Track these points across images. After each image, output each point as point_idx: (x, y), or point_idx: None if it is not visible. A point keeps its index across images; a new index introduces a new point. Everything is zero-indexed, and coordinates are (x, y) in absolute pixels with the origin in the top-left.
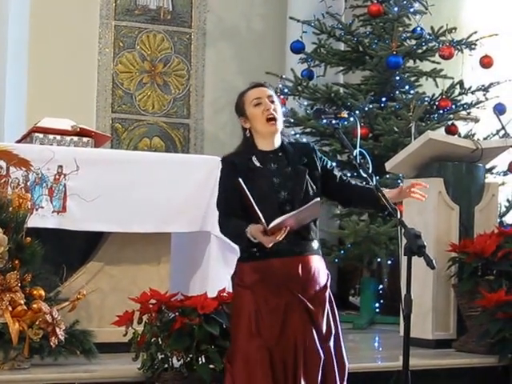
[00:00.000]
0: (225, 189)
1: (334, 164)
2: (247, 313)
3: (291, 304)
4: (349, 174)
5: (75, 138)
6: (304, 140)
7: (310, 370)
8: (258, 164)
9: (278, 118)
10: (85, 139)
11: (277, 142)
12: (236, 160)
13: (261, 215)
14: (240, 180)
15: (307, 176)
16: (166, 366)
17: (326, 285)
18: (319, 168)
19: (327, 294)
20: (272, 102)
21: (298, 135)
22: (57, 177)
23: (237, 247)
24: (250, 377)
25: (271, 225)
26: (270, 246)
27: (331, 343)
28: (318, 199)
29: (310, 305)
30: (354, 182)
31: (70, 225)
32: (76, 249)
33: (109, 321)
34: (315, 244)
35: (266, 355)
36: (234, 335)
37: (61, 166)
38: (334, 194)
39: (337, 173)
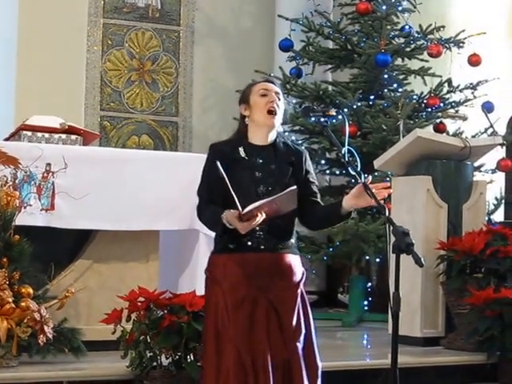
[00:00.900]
0: (208, 176)
1: (317, 184)
2: (214, 308)
3: (258, 300)
4: (337, 172)
5: (63, 136)
6: (293, 138)
7: (275, 367)
8: (243, 155)
9: (278, 114)
10: (73, 137)
11: (270, 138)
12: (224, 148)
13: (236, 199)
14: (217, 162)
15: (289, 174)
16: (155, 363)
17: (298, 283)
18: (303, 174)
19: (299, 292)
20: (278, 98)
21: (286, 133)
22: (45, 175)
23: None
24: (220, 374)
25: (246, 209)
26: (244, 232)
27: (299, 343)
28: (295, 187)
29: (277, 302)
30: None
31: (59, 223)
32: (64, 247)
33: (97, 319)
34: (290, 242)
35: (234, 351)
36: (204, 330)
37: (49, 164)
38: (302, 206)
39: (315, 189)
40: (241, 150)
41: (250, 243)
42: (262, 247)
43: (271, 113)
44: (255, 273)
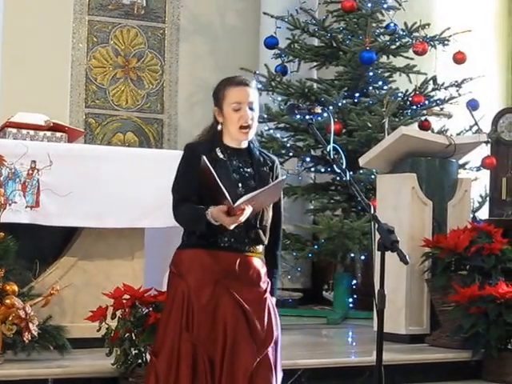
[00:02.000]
0: (184, 174)
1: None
2: (179, 306)
3: (225, 301)
4: (322, 170)
5: (48, 133)
6: (278, 135)
7: (237, 369)
8: (221, 156)
9: (253, 127)
10: (58, 134)
11: (244, 143)
12: (200, 148)
13: (227, 193)
14: (203, 157)
15: (270, 177)
16: (140, 361)
17: (266, 289)
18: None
19: (267, 298)
20: (251, 108)
21: (271, 130)
22: (30, 172)
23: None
24: (174, 371)
25: (237, 203)
26: (232, 227)
27: (270, 349)
28: (284, 177)
29: (246, 305)
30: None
31: (44, 220)
32: (49, 244)
33: (82, 316)
34: (261, 248)
35: (192, 350)
36: (162, 326)
37: (34, 161)
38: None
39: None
40: (218, 150)
41: (221, 242)
42: (233, 247)
43: (244, 128)
44: (223, 272)
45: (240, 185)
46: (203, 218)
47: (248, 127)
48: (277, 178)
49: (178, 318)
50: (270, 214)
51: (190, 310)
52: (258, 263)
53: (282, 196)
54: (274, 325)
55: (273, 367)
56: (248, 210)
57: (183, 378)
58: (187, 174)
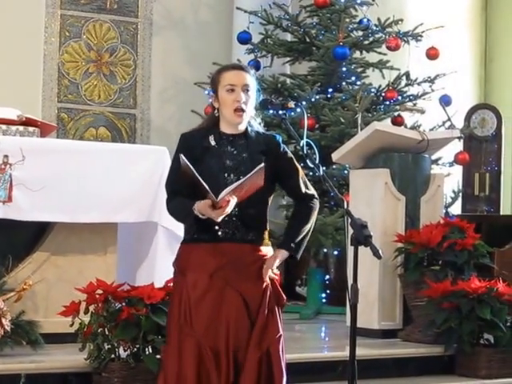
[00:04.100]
0: (176, 166)
1: (299, 173)
2: (178, 300)
3: (225, 293)
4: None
5: (21, 128)
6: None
7: (247, 362)
8: (213, 143)
9: (247, 110)
10: (31, 129)
11: (241, 128)
12: (195, 136)
13: (208, 188)
14: (181, 155)
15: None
16: (113, 356)
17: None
18: (278, 161)
19: (267, 289)
20: (246, 91)
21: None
22: (2, 166)
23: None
24: (179, 367)
25: (220, 196)
26: (219, 220)
27: (280, 344)
28: (262, 165)
29: (246, 294)
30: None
31: (16, 215)
32: (22, 239)
33: (55, 311)
34: (263, 233)
35: (194, 345)
36: (168, 324)
37: (6, 156)
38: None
39: (294, 182)
40: (211, 138)
41: (219, 233)
42: (232, 237)
43: (238, 111)
44: (223, 263)
45: (232, 172)
46: (191, 213)
47: (241, 110)
48: (276, 158)
49: (177, 314)
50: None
51: (187, 305)
52: (258, 251)
53: (288, 154)
54: (277, 314)
55: (282, 361)
56: (233, 201)
57: (188, 372)
58: (177, 165)
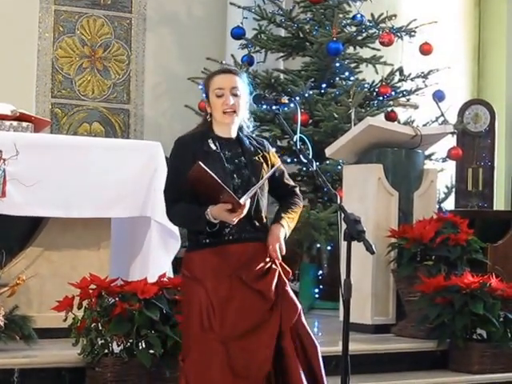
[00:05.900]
0: (176, 172)
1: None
2: (198, 307)
3: (243, 292)
4: (289, 160)
5: (15, 123)
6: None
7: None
8: (213, 148)
9: (237, 112)
10: (24, 124)
11: (233, 133)
12: (192, 141)
13: (231, 192)
14: (199, 162)
15: (262, 165)
16: (106, 351)
17: (277, 273)
18: (269, 164)
19: (278, 273)
20: (235, 94)
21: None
22: None
23: (177, 233)
24: (205, 370)
25: (243, 199)
26: (236, 222)
27: (302, 317)
28: (279, 164)
29: (260, 286)
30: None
31: (10, 210)
32: (15, 234)
33: (48, 306)
34: (264, 228)
35: (222, 348)
36: (186, 331)
37: (0, 151)
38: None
39: (286, 182)
40: (210, 142)
41: (228, 236)
42: (240, 238)
43: (227, 113)
44: (234, 265)
45: (235, 175)
46: (203, 219)
47: (232, 112)
48: (273, 164)
49: (199, 321)
50: (265, 201)
51: (210, 310)
52: (265, 247)
53: (277, 158)
54: (290, 290)
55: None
56: (248, 203)
57: (216, 375)
58: (178, 171)
